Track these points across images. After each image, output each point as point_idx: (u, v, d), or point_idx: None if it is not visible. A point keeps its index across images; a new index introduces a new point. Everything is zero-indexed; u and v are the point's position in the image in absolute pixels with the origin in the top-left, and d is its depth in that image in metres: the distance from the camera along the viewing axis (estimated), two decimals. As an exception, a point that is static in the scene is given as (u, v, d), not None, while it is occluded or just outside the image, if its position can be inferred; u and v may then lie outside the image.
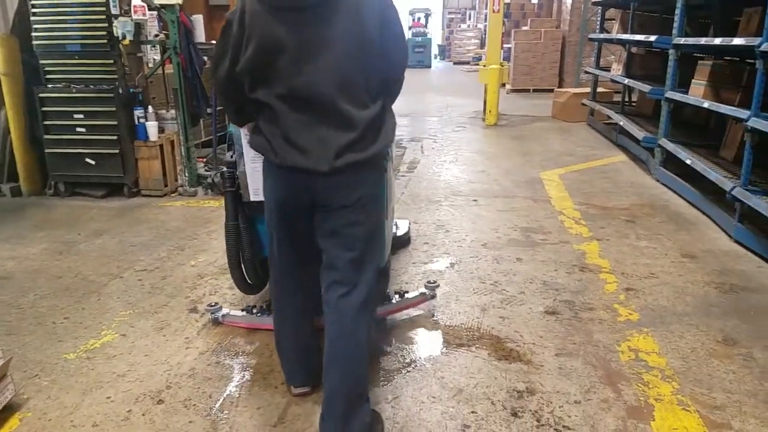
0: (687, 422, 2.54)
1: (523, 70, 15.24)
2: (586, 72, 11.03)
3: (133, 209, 5.60)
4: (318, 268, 2.43)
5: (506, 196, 5.93)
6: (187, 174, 6.12)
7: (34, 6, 5.55)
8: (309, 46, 2.14)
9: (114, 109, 5.64)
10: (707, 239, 4.67)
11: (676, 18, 6.12)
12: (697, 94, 5.69)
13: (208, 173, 6.06)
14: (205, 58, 6.06)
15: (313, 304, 2.62)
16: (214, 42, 4.11)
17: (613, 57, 9.84)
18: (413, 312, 3.51)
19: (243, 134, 2.71)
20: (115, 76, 5.64)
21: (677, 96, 6.04)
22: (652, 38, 6.58)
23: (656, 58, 8.14)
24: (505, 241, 4.66)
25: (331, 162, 2.17)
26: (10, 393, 2.66)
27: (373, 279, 2.42)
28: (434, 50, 30.92)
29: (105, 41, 5.53)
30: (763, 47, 4.22)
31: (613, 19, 9.84)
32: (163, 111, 6.16)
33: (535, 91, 15.09)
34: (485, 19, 15.88)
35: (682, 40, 5.99)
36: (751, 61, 5.16)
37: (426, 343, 3.20)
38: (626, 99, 9.03)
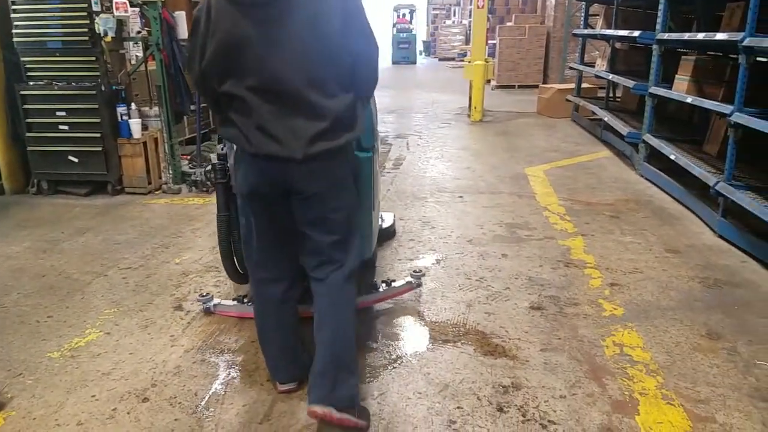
0: (671, 416, 2.56)
1: (507, 66, 15.28)
2: (571, 68, 11.07)
3: (116, 207, 5.55)
4: (296, 256, 2.55)
5: (491, 192, 5.94)
6: (171, 171, 6.07)
7: (14, 2, 5.46)
8: (274, 39, 2.18)
9: (97, 106, 5.58)
10: (691, 234, 4.71)
11: (660, 13, 6.16)
12: (681, 90, 5.74)
13: (192, 170, 6.02)
14: (188, 54, 5.99)
15: (293, 292, 2.67)
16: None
17: (597, 53, 9.88)
18: (400, 311, 3.51)
19: None
20: (98, 74, 5.56)
21: (661, 91, 6.08)
22: (636, 33, 6.62)
23: (640, 53, 8.20)
24: (490, 237, 4.67)
25: (304, 150, 2.24)
26: (-7, 393, 2.63)
27: (355, 256, 2.57)
28: (419, 46, 30.77)
29: (87, 38, 5.45)
30: (745, 42, 4.26)
31: (598, 15, 9.90)
32: (147, 108, 6.10)
33: (519, 87, 15.12)
34: (470, 15, 15.87)
35: (666, 36, 6.03)
36: (734, 56, 5.20)
37: (412, 340, 3.21)
38: (610, 95, 9.10)
